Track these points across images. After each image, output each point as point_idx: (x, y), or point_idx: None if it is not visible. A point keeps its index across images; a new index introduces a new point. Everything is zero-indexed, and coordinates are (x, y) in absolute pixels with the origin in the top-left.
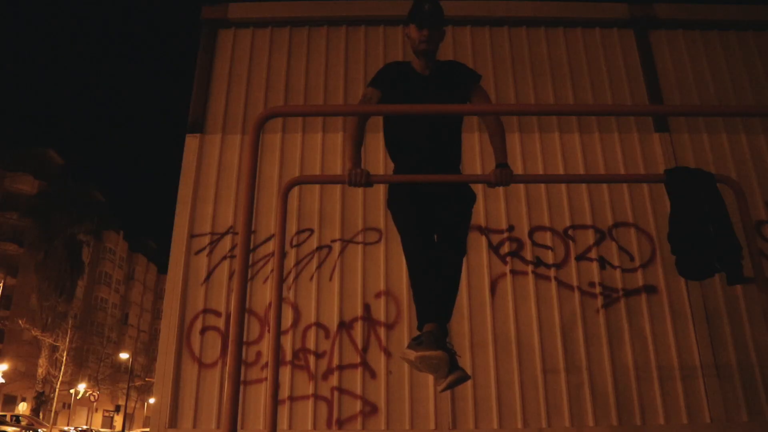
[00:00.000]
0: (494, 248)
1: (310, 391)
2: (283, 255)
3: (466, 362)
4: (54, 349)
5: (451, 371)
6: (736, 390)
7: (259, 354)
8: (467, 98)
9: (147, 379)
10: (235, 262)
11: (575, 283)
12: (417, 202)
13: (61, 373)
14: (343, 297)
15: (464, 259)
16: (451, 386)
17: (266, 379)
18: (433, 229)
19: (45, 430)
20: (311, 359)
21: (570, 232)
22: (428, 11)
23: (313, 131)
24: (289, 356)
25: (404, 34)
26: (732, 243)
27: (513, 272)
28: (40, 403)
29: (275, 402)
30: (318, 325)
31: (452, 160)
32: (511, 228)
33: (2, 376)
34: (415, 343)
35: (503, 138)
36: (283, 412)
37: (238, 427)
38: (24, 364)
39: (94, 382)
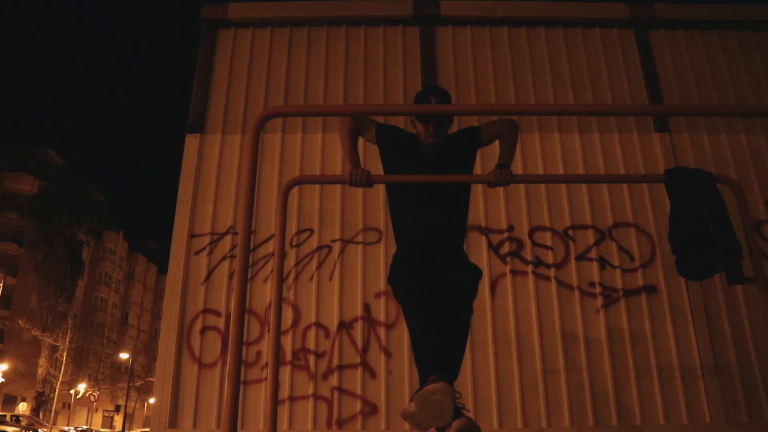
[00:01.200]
0: (494, 248)
1: (310, 391)
2: (283, 255)
3: (466, 362)
4: (54, 349)
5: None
6: (736, 390)
7: (259, 354)
8: (476, 151)
9: (147, 379)
10: (235, 262)
11: (575, 283)
12: (420, 273)
13: (61, 373)
14: (343, 297)
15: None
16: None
17: (266, 379)
18: (437, 300)
19: (45, 430)
20: (311, 359)
21: (570, 232)
22: (433, 109)
23: (313, 131)
24: (289, 356)
25: (409, 121)
26: (732, 243)
27: (513, 272)
28: (40, 403)
29: (275, 402)
30: (318, 325)
31: (456, 234)
32: (511, 228)
33: (2, 376)
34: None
35: (515, 143)
36: (283, 412)
37: (238, 427)
38: (24, 364)
39: (94, 382)
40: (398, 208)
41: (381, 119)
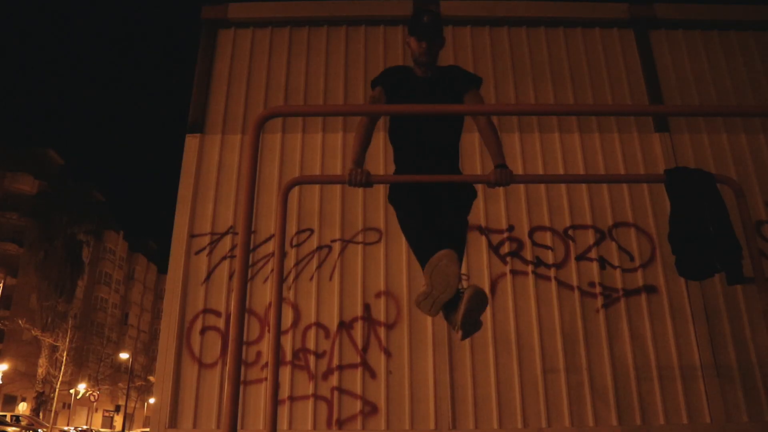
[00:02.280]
0: (494, 248)
1: (310, 391)
2: (283, 255)
3: (465, 362)
4: (54, 349)
5: (463, 291)
6: (736, 390)
7: (259, 354)
8: (462, 101)
9: (149, 377)
10: (235, 262)
11: (575, 283)
12: (418, 194)
13: (61, 373)
14: (343, 297)
15: (465, 256)
16: (470, 306)
17: (266, 379)
18: (434, 218)
19: (45, 430)
20: (311, 359)
21: (570, 232)
22: (426, 24)
23: (313, 131)
24: (289, 356)
25: (405, 42)
26: (732, 243)
27: (513, 272)
28: (40, 403)
29: (275, 402)
30: (318, 325)
31: (451, 159)
32: (511, 228)
33: (2, 376)
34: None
35: (498, 140)
36: (283, 412)
37: (238, 427)
38: (24, 364)
39: (94, 382)
40: (398, 136)
41: (381, 119)
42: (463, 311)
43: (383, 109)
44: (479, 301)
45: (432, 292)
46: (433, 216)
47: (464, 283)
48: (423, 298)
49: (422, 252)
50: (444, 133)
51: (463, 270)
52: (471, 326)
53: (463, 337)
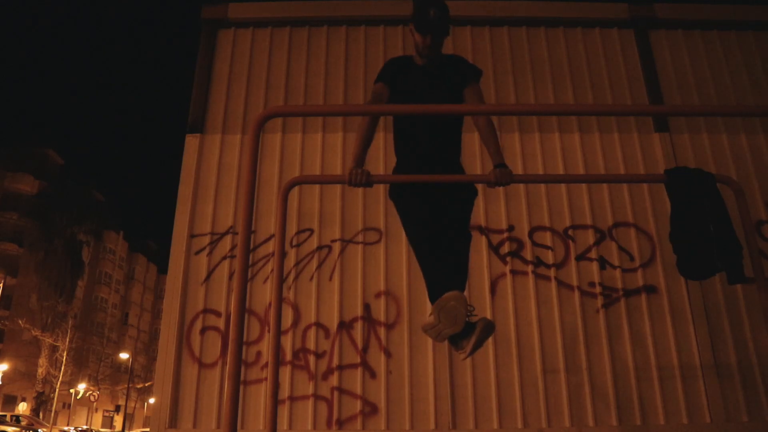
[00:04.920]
0: (494, 248)
1: (310, 391)
2: (283, 255)
3: (465, 362)
4: (54, 349)
5: (473, 326)
6: (736, 390)
7: (259, 354)
8: (462, 93)
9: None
10: (235, 262)
11: (575, 283)
12: (419, 190)
13: (61, 373)
14: (343, 297)
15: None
16: (481, 336)
17: (266, 379)
18: (436, 216)
19: (45, 430)
20: (311, 359)
21: (570, 232)
22: (433, 18)
23: (313, 131)
24: (289, 356)
25: (408, 30)
26: (732, 242)
27: (513, 272)
28: (40, 403)
29: (275, 402)
30: (318, 325)
31: (452, 153)
32: (511, 228)
33: (2, 376)
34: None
35: (496, 139)
36: (283, 412)
37: (238, 427)
38: (24, 364)
39: (94, 382)
40: (400, 128)
41: (381, 120)
42: (474, 342)
43: (383, 109)
44: (489, 332)
45: (438, 326)
46: (435, 216)
47: (472, 311)
48: (429, 328)
49: (426, 264)
50: (445, 124)
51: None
52: (477, 350)
53: (466, 358)
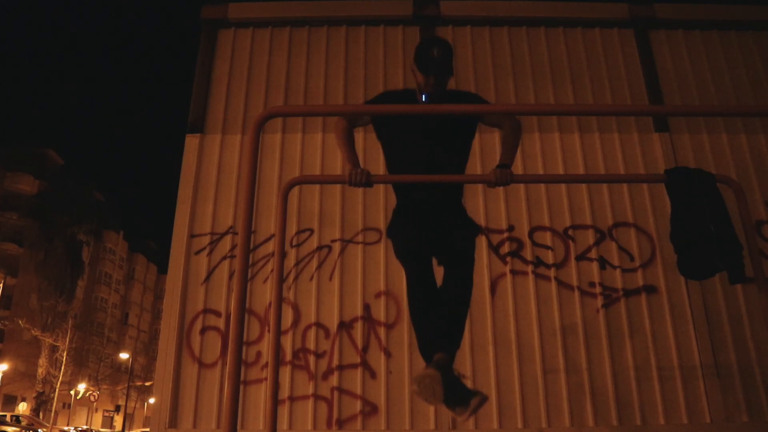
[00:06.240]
0: (494, 248)
1: (310, 391)
2: (283, 255)
3: (465, 362)
4: (54, 349)
5: (467, 396)
6: (736, 390)
7: (259, 354)
8: (471, 131)
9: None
10: (235, 262)
11: (575, 283)
12: (418, 230)
13: (61, 373)
14: (343, 297)
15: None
16: (476, 410)
17: (266, 379)
18: (434, 258)
19: (45, 430)
20: (311, 359)
21: (570, 232)
22: (436, 58)
23: (313, 131)
24: (289, 356)
25: (409, 69)
26: (733, 242)
27: (513, 272)
28: (40, 403)
29: (275, 402)
30: (318, 325)
31: (455, 194)
32: (511, 228)
33: (2, 376)
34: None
35: (515, 146)
36: (283, 412)
37: (238, 427)
38: (24, 364)
39: (94, 382)
40: (396, 164)
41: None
42: (468, 415)
43: (384, 110)
44: (483, 404)
45: (421, 394)
46: (433, 255)
47: (466, 380)
48: (415, 394)
49: (415, 319)
50: (448, 165)
51: None
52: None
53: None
